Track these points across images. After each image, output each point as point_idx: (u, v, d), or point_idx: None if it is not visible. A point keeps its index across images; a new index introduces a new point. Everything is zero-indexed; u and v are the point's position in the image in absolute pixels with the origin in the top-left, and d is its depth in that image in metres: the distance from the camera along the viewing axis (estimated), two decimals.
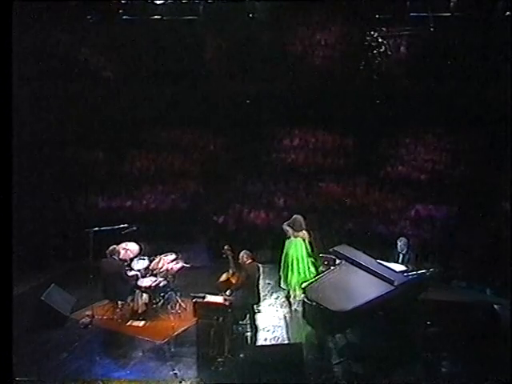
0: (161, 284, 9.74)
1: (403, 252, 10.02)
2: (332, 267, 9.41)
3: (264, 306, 10.20)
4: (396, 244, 10.12)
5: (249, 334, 9.09)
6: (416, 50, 12.24)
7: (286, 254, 10.24)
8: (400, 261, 9.96)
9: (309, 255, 10.19)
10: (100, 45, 12.71)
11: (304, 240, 10.22)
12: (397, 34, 11.99)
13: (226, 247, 9.50)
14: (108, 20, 12.19)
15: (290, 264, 10.15)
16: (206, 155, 13.50)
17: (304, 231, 10.26)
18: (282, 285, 10.41)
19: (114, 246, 9.71)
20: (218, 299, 8.59)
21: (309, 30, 12.78)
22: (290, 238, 10.28)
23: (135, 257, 10.10)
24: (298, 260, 10.09)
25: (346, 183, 12.89)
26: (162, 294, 9.81)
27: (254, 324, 9.21)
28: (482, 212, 11.89)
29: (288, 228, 10.32)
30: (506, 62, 10.93)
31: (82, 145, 12.94)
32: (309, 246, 10.22)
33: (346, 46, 12.65)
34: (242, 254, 9.17)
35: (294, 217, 10.38)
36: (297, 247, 10.19)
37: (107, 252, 9.57)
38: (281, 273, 10.39)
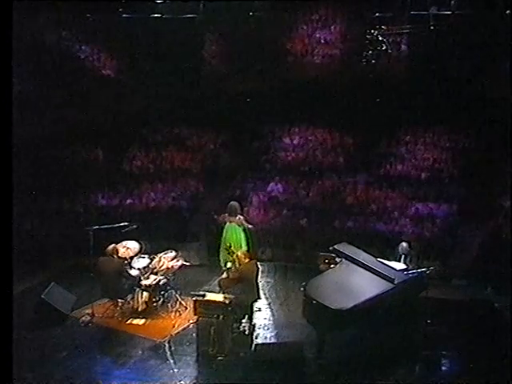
0: (161, 282, 9.73)
1: (405, 253, 10.02)
2: (332, 265, 9.42)
3: (264, 304, 10.20)
4: (397, 247, 10.12)
5: (249, 332, 9.09)
6: (416, 49, 12.24)
7: (223, 238, 10.63)
8: (401, 261, 9.95)
9: (245, 237, 10.59)
10: (100, 43, 12.71)
11: (239, 225, 10.61)
12: (397, 32, 11.98)
13: (227, 244, 9.59)
14: (108, 18, 12.20)
15: (224, 247, 10.41)
16: (206, 153, 13.51)
17: (239, 216, 10.67)
18: (222, 264, 10.64)
19: (114, 244, 9.72)
20: (218, 297, 8.59)
21: (309, 28, 12.78)
22: (226, 223, 10.69)
23: (135, 255, 10.09)
24: (231, 243, 10.27)
25: (346, 181, 12.89)
26: (162, 293, 9.80)
27: (254, 322, 9.22)
28: (482, 210, 11.89)
29: (225, 214, 10.79)
30: (506, 61, 10.93)
31: (82, 143, 12.94)
32: (243, 230, 10.63)
33: (347, 45, 12.64)
34: (239, 253, 9.27)
35: (230, 203, 10.77)
36: (231, 231, 10.59)
37: (107, 251, 9.56)
38: (220, 256, 10.73)
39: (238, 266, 9.26)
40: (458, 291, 11.02)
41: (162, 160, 13.42)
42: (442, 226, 12.16)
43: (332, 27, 12.68)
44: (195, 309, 8.56)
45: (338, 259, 9.43)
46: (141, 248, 10.19)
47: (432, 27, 11.51)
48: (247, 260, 9.12)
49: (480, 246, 11.52)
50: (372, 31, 11.93)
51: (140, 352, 8.71)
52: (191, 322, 9.24)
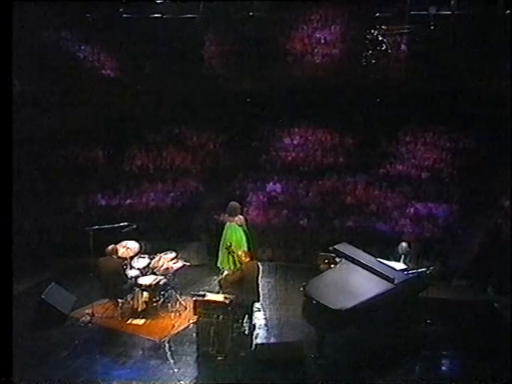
0: (161, 282, 9.73)
1: (404, 253, 10.01)
2: (332, 265, 9.42)
3: (264, 304, 10.19)
4: (397, 247, 10.12)
5: (249, 332, 9.09)
6: (416, 49, 12.24)
7: (223, 238, 10.53)
8: (401, 261, 9.95)
9: (246, 237, 10.48)
10: (100, 43, 12.71)
11: (239, 225, 10.52)
12: (397, 32, 12.00)
13: (228, 243, 9.60)
14: (108, 18, 12.21)
15: (223, 246, 10.38)
16: (206, 153, 13.51)
17: (240, 216, 10.60)
18: (219, 265, 10.61)
19: (114, 244, 9.71)
20: (219, 297, 8.59)
21: (309, 28, 12.79)
22: (226, 222, 10.61)
23: (135, 255, 10.09)
24: (231, 243, 10.21)
25: (346, 181, 12.89)
26: (162, 293, 9.80)
27: (254, 322, 9.23)
28: (482, 210, 11.89)
29: (225, 215, 10.77)
30: (506, 60, 10.93)
31: (82, 143, 12.94)
32: (243, 230, 10.54)
33: (347, 45, 12.65)
34: (240, 252, 9.27)
35: (230, 203, 10.71)
36: (230, 231, 10.48)
37: (107, 251, 9.56)
38: (219, 256, 10.63)
39: (238, 265, 9.26)
40: (458, 291, 11.02)
41: (162, 160, 13.42)
42: (442, 226, 12.16)
43: (332, 27, 12.70)
44: (195, 309, 8.56)
45: (337, 259, 9.43)
46: (141, 248, 10.18)
47: (432, 27, 11.53)
48: (248, 259, 9.11)
49: (480, 245, 11.51)
50: (372, 31, 11.97)
51: (140, 352, 8.71)
52: (191, 321, 9.23)
